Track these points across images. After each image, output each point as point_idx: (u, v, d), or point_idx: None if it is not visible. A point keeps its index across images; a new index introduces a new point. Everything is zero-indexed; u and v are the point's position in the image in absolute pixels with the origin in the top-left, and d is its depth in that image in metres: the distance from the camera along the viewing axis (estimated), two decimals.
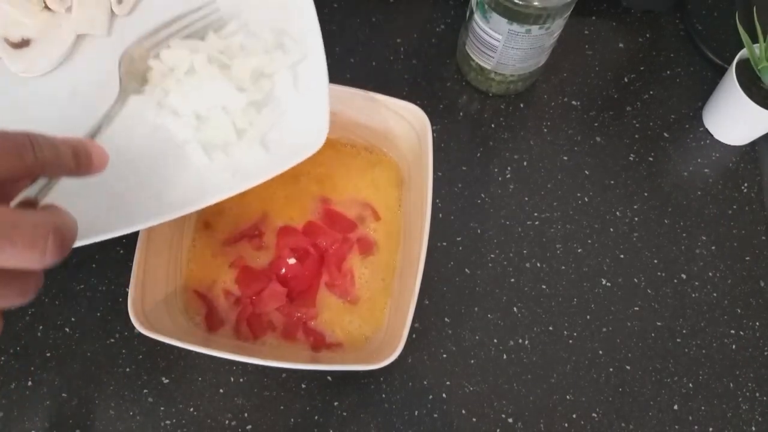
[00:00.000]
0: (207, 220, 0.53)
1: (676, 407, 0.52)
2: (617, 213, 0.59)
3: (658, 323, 0.55)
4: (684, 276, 0.57)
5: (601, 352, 0.54)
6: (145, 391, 0.51)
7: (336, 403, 0.51)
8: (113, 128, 0.41)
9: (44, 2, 0.46)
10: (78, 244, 0.40)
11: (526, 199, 0.58)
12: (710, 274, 0.57)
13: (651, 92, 0.64)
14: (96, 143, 0.33)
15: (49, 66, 0.46)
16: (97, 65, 0.47)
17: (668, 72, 0.65)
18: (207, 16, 0.46)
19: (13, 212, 0.27)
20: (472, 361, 0.53)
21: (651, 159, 0.61)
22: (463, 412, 0.51)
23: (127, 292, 0.44)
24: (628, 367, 0.53)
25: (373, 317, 0.51)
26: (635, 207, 0.59)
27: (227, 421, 0.50)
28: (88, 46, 0.48)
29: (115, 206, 0.43)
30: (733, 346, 0.54)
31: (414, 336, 0.53)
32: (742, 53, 0.57)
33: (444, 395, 0.52)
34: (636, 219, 0.58)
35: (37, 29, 0.46)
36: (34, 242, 0.26)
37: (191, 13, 0.46)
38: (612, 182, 0.60)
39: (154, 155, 0.45)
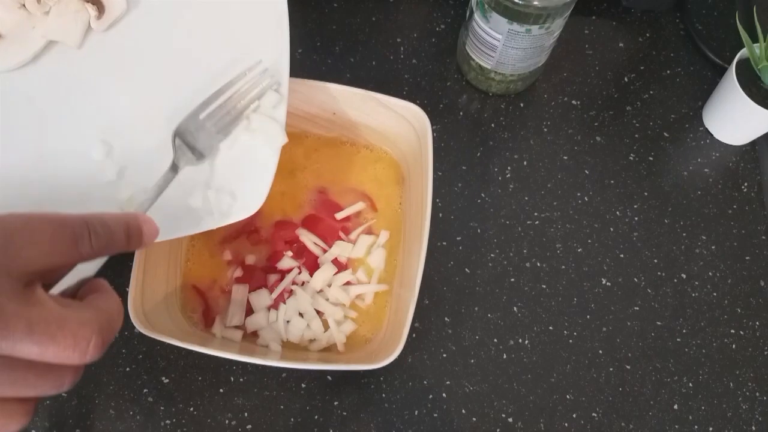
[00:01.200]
0: None
1: (676, 407, 0.52)
2: (617, 212, 0.59)
3: (658, 323, 0.55)
4: (684, 275, 0.57)
5: (601, 351, 0.54)
6: (145, 390, 0.51)
7: (336, 403, 0.51)
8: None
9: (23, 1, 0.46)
10: None
11: (526, 198, 0.58)
12: (710, 273, 0.57)
13: (651, 92, 0.64)
14: (147, 217, 0.33)
15: (12, 66, 0.46)
16: (58, 75, 0.46)
17: (668, 72, 0.65)
18: (257, 79, 0.45)
19: (60, 310, 0.27)
20: (472, 361, 0.53)
21: (651, 158, 0.61)
22: (463, 411, 0.51)
23: (127, 292, 0.44)
24: (628, 367, 0.53)
25: (373, 317, 0.51)
26: (635, 206, 0.59)
27: (227, 421, 0.50)
28: (57, 54, 0.47)
29: None
30: (733, 346, 0.54)
31: (414, 336, 0.53)
32: (742, 53, 0.57)
33: (444, 395, 0.52)
34: (636, 218, 0.58)
35: (9, 26, 0.46)
36: (77, 343, 0.26)
37: (239, 78, 0.45)
38: (612, 182, 0.60)
39: None
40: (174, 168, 0.42)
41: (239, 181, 0.44)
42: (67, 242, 0.28)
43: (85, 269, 0.30)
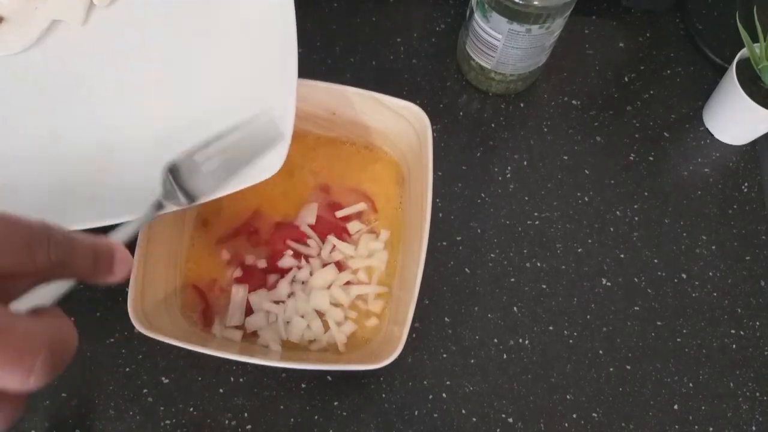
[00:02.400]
0: (205, 218, 0.53)
1: (676, 407, 0.52)
2: (617, 212, 0.59)
3: (659, 323, 0.55)
4: (684, 275, 0.57)
5: (601, 351, 0.54)
6: (144, 390, 0.51)
7: (336, 403, 0.51)
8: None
9: None
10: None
11: (526, 198, 0.58)
12: (710, 273, 0.57)
13: (651, 92, 0.64)
14: (122, 248, 0.28)
15: (19, 48, 0.45)
16: (68, 54, 0.46)
17: (668, 71, 0.65)
18: (263, 129, 0.42)
19: (5, 315, 0.22)
20: (472, 361, 0.53)
21: (651, 158, 0.61)
22: (463, 411, 0.51)
23: (127, 292, 0.44)
24: (628, 367, 0.53)
25: (373, 317, 0.51)
26: (635, 206, 0.59)
27: (227, 421, 0.50)
28: (61, 34, 0.46)
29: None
30: (734, 346, 0.54)
31: (414, 336, 0.53)
32: (743, 53, 0.57)
33: (444, 395, 0.51)
34: (636, 218, 0.58)
35: (12, 9, 0.45)
36: (22, 357, 0.21)
37: (245, 125, 0.41)
38: (612, 182, 0.60)
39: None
40: (158, 205, 0.38)
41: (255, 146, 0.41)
42: (20, 242, 0.24)
43: (42, 296, 0.26)
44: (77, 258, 0.26)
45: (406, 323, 0.44)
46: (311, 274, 0.52)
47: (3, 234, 0.24)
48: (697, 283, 0.56)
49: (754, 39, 0.56)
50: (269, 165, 0.42)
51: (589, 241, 0.57)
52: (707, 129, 0.62)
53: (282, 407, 0.51)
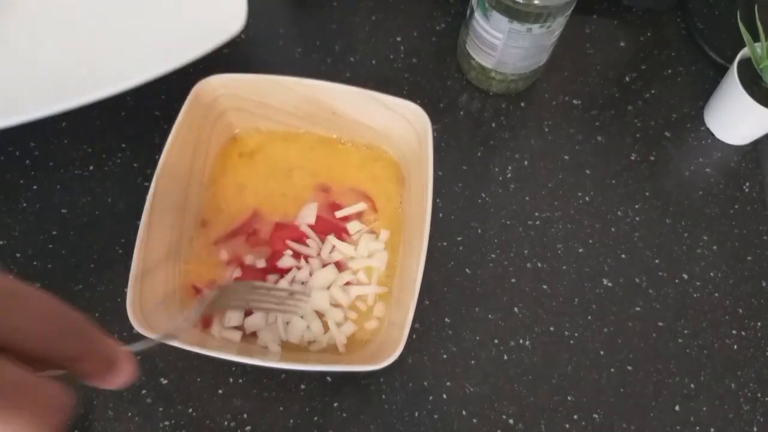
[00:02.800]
0: (204, 218, 0.53)
1: (677, 408, 0.52)
2: (618, 213, 0.58)
3: (660, 323, 0.55)
4: (686, 276, 0.56)
5: (602, 352, 0.53)
6: (143, 391, 0.50)
7: (335, 404, 0.51)
8: None
9: None
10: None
11: (527, 198, 0.58)
12: (712, 274, 0.57)
13: (652, 91, 0.64)
14: (131, 363, 0.28)
15: None
16: None
17: (670, 71, 0.65)
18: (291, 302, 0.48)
19: (27, 375, 0.23)
20: (473, 362, 0.52)
21: (652, 158, 0.61)
22: (464, 413, 0.51)
23: (126, 292, 0.44)
24: (629, 368, 0.53)
25: (373, 318, 0.51)
26: (636, 206, 0.59)
27: (226, 422, 0.50)
28: None
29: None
30: (735, 347, 0.54)
31: (414, 336, 0.52)
32: (744, 52, 0.57)
33: (444, 396, 0.51)
34: (637, 219, 0.58)
35: None
36: (46, 416, 0.22)
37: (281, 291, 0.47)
38: (613, 182, 0.59)
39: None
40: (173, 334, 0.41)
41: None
42: (68, 330, 0.25)
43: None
44: (92, 357, 0.26)
45: (406, 324, 0.44)
46: (311, 274, 0.51)
47: (54, 321, 0.25)
48: (698, 283, 0.56)
49: (756, 38, 0.56)
50: (231, 23, 0.45)
51: (590, 241, 0.57)
52: (708, 129, 0.62)
53: (281, 408, 0.50)
